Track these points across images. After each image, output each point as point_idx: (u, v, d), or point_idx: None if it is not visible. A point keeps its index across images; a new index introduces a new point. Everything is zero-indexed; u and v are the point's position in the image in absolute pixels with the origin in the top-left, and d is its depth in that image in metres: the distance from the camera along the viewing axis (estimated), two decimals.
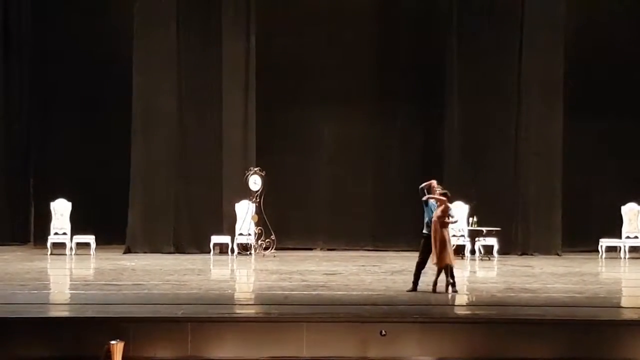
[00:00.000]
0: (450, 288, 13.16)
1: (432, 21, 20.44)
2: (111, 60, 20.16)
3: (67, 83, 20.41)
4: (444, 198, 13.24)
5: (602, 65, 20.28)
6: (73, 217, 19.23)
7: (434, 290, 13.16)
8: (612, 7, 20.44)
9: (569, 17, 19.83)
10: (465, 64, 19.93)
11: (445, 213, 13.19)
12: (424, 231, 13.35)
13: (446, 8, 20.09)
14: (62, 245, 19.09)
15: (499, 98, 19.89)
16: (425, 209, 13.40)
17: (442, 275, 13.24)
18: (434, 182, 13.56)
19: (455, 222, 13.67)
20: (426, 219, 13.36)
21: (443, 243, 13.09)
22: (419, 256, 13.37)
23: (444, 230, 13.13)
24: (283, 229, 19.65)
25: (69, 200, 19.31)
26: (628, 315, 12.17)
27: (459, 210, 19.09)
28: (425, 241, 13.29)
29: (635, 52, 20.41)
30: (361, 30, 20.62)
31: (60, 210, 19.30)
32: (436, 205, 13.25)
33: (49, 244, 19.06)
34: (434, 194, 13.33)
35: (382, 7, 20.68)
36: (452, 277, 13.25)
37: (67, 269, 17.40)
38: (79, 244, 19.11)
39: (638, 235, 19.51)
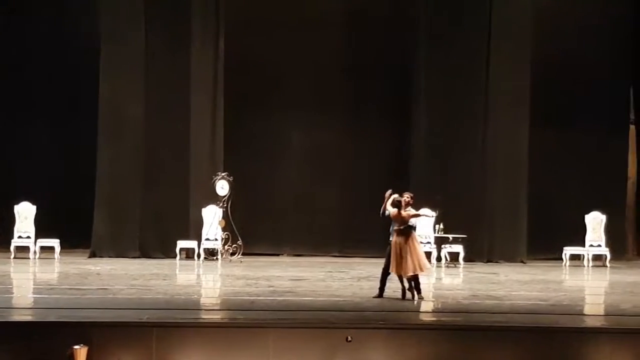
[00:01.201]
0: (415, 295, 13.19)
1: (401, 29, 20.52)
2: (79, 63, 20.03)
3: (34, 85, 20.27)
4: (393, 210, 13.20)
5: (567, 76, 20.53)
6: (37, 221, 19.05)
7: (403, 297, 13.20)
8: (578, 18, 20.66)
9: (536, 28, 20.02)
10: (433, 72, 20.04)
11: (399, 220, 13.15)
12: (391, 238, 13.37)
13: (416, 16, 20.20)
14: (25, 249, 18.90)
15: (466, 107, 20.02)
16: None
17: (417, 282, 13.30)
18: (390, 195, 13.39)
19: (412, 225, 13.33)
20: (392, 226, 13.38)
21: (399, 252, 13.08)
22: (385, 262, 13.40)
23: (400, 238, 13.11)
24: (250, 234, 19.60)
25: (33, 203, 19.13)
26: (591, 322, 12.29)
27: (426, 217, 19.20)
28: (390, 248, 13.32)
29: (599, 64, 20.65)
30: (330, 37, 20.67)
31: (25, 213, 19.11)
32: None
33: (12, 248, 18.84)
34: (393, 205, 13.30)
35: (352, 13, 20.72)
36: (417, 285, 13.25)
37: (31, 273, 17.25)
38: (43, 248, 18.94)
39: (601, 244, 19.70)
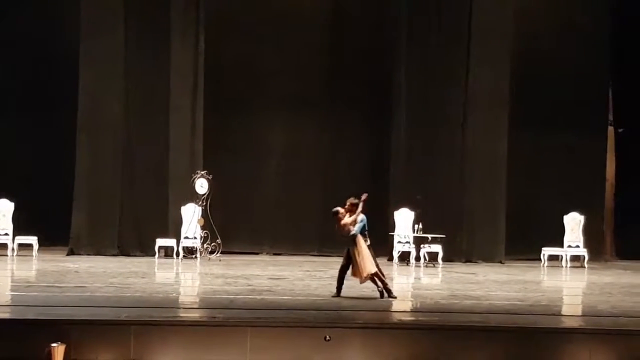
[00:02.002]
0: (385, 295, 13.21)
1: (382, 31, 20.58)
2: (57, 58, 19.99)
3: (12, 81, 20.15)
4: (339, 216, 13.20)
5: (546, 77, 20.64)
6: (15, 218, 18.96)
7: (382, 296, 13.22)
8: (557, 22, 20.78)
9: (516, 30, 20.11)
10: (413, 73, 20.11)
11: (342, 231, 13.17)
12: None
13: (396, 18, 20.24)
14: (3, 246, 18.80)
15: (446, 108, 20.10)
16: None
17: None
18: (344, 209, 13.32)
19: (353, 233, 13.17)
20: None
21: (353, 258, 13.15)
22: (342, 261, 13.43)
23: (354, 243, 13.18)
24: (229, 233, 19.59)
25: (11, 200, 19.03)
26: (568, 323, 12.36)
27: (405, 217, 19.27)
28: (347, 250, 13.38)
29: (578, 66, 20.78)
30: (311, 38, 20.72)
31: (3, 210, 19.01)
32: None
33: None
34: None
35: (332, 14, 20.79)
36: (381, 284, 13.27)
37: (9, 270, 17.14)
38: (21, 245, 18.84)
39: (579, 245, 19.80)
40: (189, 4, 19.75)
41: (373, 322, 11.47)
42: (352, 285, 13.65)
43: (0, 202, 19.06)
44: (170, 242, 19.19)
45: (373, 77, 20.64)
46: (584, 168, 20.94)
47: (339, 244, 19.78)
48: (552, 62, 20.70)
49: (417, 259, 19.13)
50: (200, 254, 19.04)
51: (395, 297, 13.24)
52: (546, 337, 11.02)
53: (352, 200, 13.37)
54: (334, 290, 13.33)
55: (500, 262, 19.80)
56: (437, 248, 19.07)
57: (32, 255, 18.59)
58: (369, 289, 13.56)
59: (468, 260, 19.90)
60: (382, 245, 19.44)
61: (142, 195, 19.56)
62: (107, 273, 15.99)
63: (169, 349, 10.58)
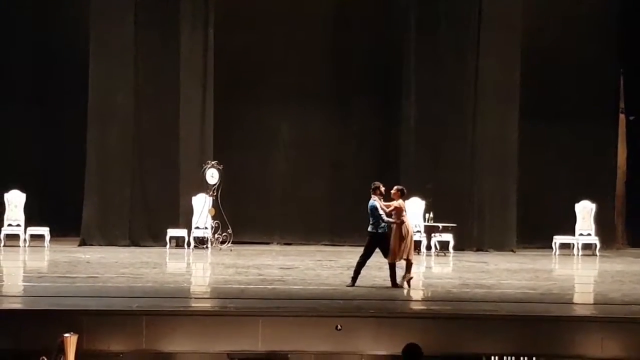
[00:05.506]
0: (394, 283, 13.21)
1: (390, 21, 20.52)
2: (67, 51, 20.02)
3: (22, 72, 20.20)
4: (395, 205, 13.21)
5: (556, 68, 20.56)
6: (27, 209, 19.02)
7: (394, 285, 13.19)
8: (567, 12, 20.65)
9: (525, 21, 20.01)
10: (422, 64, 20.03)
11: (400, 212, 13.23)
12: (369, 229, 13.33)
13: (404, 8, 20.18)
14: (15, 237, 18.88)
15: (455, 98, 20.03)
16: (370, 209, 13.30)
17: (399, 271, 13.31)
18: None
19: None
20: (371, 219, 13.29)
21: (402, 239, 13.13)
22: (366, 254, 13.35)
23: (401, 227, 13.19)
24: (240, 222, 19.60)
25: (23, 191, 19.09)
26: (580, 311, 12.36)
27: (416, 206, 19.25)
28: (370, 239, 13.29)
29: (588, 56, 20.68)
30: (320, 29, 20.68)
31: (14, 201, 19.07)
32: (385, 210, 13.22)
33: (2, 236, 18.83)
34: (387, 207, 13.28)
35: (341, 6, 20.72)
36: (393, 274, 13.26)
37: (21, 261, 17.24)
38: (33, 236, 18.91)
39: (591, 233, 19.74)
40: None
41: (384, 311, 11.48)
42: (364, 275, 13.64)
43: (12, 193, 19.12)
44: (181, 232, 19.22)
45: (382, 67, 20.58)
46: (595, 156, 20.86)
47: (349, 233, 20.05)
48: (562, 50, 20.60)
49: (428, 248, 19.12)
50: (211, 244, 19.07)
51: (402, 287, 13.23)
52: (558, 325, 11.01)
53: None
54: (348, 281, 13.32)
55: (512, 251, 19.77)
56: (448, 237, 19.06)
57: (44, 246, 18.66)
58: (381, 278, 13.55)
59: (479, 249, 19.87)
60: None
61: (153, 186, 19.60)
62: (118, 263, 16.04)
63: (181, 339, 10.62)
